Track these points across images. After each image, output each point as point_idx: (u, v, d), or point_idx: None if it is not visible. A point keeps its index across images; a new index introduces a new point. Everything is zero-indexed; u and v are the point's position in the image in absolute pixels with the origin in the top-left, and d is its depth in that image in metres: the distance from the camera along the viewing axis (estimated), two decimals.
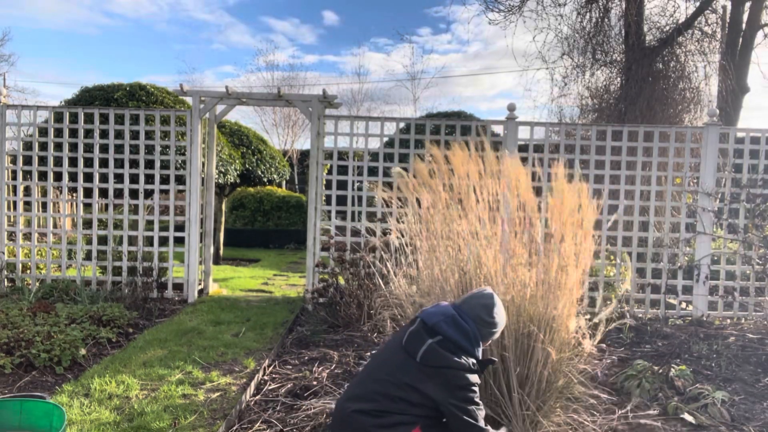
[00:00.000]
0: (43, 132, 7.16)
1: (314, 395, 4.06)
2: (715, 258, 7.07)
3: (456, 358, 2.63)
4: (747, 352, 5.38)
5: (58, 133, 7.07)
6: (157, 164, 7.06)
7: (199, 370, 4.51)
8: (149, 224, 7.33)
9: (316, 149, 6.95)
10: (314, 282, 6.85)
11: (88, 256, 7.13)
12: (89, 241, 7.18)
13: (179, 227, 7.16)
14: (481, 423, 2.65)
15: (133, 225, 7.14)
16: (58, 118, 7.07)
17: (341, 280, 6.32)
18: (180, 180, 7.29)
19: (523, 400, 3.17)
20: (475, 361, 2.71)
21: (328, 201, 7.19)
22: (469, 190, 3.54)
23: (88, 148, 7.05)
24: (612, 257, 7.24)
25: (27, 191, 8.62)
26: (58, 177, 7.09)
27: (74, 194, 7.25)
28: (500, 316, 2.84)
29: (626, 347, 5.44)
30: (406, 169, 4.13)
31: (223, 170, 9.46)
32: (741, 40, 9.81)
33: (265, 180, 11.63)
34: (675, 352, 5.31)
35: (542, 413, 3.23)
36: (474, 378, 2.66)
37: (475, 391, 2.65)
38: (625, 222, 6.93)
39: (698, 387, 4.11)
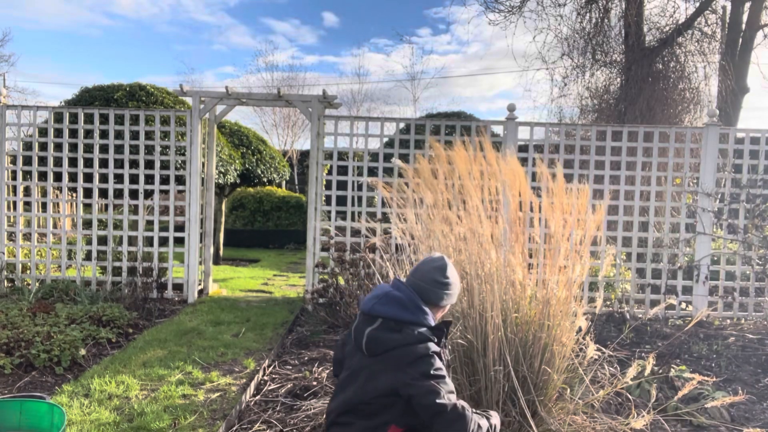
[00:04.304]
0: (43, 132, 7.16)
1: (314, 395, 4.05)
2: (715, 258, 7.06)
3: (397, 335, 2.42)
4: (747, 353, 5.38)
5: (58, 133, 7.07)
6: (157, 164, 7.05)
7: (199, 370, 4.51)
8: (149, 224, 7.33)
9: (316, 149, 6.95)
10: (314, 282, 6.84)
11: (87, 257, 7.13)
12: (89, 242, 7.17)
13: (179, 227, 7.16)
14: (445, 399, 2.34)
15: (133, 225, 7.14)
16: (58, 118, 7.07)
17: (341, 281, 6.32)
18: (180, 180, 7.29)
19: (525, 402, 3.17)
20: (425, 329, 2.47)
21: (328, 201, 7.19)
22: (469, 189, 3.54)
23: (88, 148, 7.05)
24: (612, 257, 7.23)
25: (27, 191, 8.62)
26: (57, 177, 7.09)
27: (74, 194, 7.24)
28: (454, 276, 2.67)
29: (626, 347, 5.44)
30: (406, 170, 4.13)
31: (223, 170, 9.46)
32: (741, 40, 9.81)
33: (265, 180, 11.63)
34: (675, 353, 5.31)
35: (543, 414, 3.23)
36: (423, 349, 2.39)
37: (429, 363, 2.37)
38: (625, 222, 6.93)
39: (698, 387, 4.11)
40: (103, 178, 7.09)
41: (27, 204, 7.36)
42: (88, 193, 7.17)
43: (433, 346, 2.43)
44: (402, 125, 7.66)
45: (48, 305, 5.67)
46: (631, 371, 3.17)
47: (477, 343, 3.27)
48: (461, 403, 2.40)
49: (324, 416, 3.63)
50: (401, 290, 2.56)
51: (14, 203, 7.09)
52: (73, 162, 7.08)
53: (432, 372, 2.36)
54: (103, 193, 7.21)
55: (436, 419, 2.34)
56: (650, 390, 4.00)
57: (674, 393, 4.10)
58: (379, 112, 28.21)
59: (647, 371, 3.38)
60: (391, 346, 2.40)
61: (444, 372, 2.42)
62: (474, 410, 2.49)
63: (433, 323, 2.53)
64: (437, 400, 2.32)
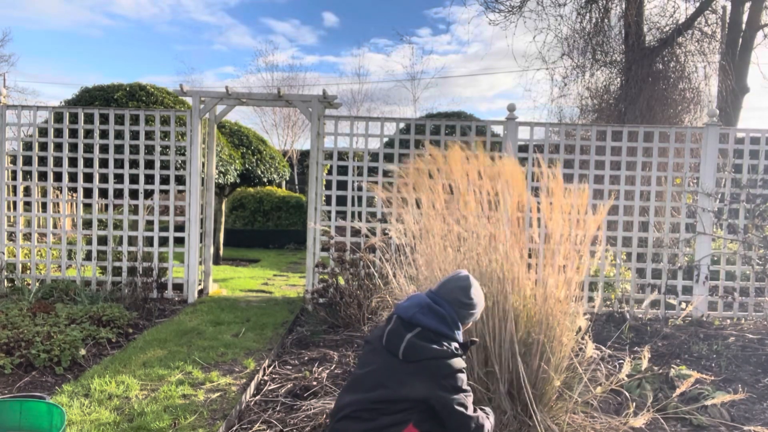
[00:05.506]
0: (43, 132, 7.16)
1: (314, 395, 4.06)
2: (715, 258, 7.06)
3: (437, 347, 2.56)
4: (747, 353, 5.38)
5: (58, 133, 7.07)
6: (157, 164, 7.06)
7: (199, 370, 4.51)
8: (149, 224, 7.33)
9: (316, 149, 6.95)
10: (314, 282, 6.84)
11: (87, 257, 7.13)
12: (89, 242, 7.18)
13: (179, 227, 7.16)
14: (471, 411, 2.58)
15: (133, 225, 7.14)
16: (58, 118, 7.07)
17: (341, 281, 6.32)
18: (180, 180, 7.29)
19: (526, 402, 3.17)
20: (457, 345, 2.64)
21: (328, 201, 7.19)
22: (468, 190, 3.54)
23: (88, 148, 7.05)
24: (612, 257, 7.24)
25: (27, 191, 8.62)
26: (58, 177, 7.09)
27: (74, 194, 7.24)
28: (478, 296, 2.79)
29: (626, 347, 5.44)
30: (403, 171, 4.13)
31: (223, 170, 9.46)
32: (741, 40, 9.82)
33: (265, 180, 11.64)
34: (675, 353, 5.31)
35: (542, 413, 3.23)
36: (458, 363, 2.59)
37: (461, 378, 2.57)
38: (625, 222, 6.93)
39: (698, 387, 4.11)
40: (103, 178, 7.09)
41: (27, 204, 7.36)
42: (88, 193, 7.17)
43: (462, 362, 2.62)
44: (402, 125, 7.67)
45: (48, 305, 5.67)
46: (626, 367, 3.18)
47: (490, 344, 3.27)
48: (481, 414, 2.64)
49: (325, 416, 3.63)
50: (442, 306, 2.68)
51: (14, 203, 7.09)
52: (73, 162, 7.08)
53: (462, 386, 2.56)
54: (103, 193, 7.21)
55: (461, 429, 2.56)
56: (650, 390, 4.01)
57: (674, 392, 4.10)
58: (379, 112, 28.26)
59: (643, 366, 3.39)
60: (430, 356, 2.54)
61: (467, 387, 2.61)
62: (484, 412, 2.72)
63: (461, 340, 2.69)
64: (465, 412, 2.54)
